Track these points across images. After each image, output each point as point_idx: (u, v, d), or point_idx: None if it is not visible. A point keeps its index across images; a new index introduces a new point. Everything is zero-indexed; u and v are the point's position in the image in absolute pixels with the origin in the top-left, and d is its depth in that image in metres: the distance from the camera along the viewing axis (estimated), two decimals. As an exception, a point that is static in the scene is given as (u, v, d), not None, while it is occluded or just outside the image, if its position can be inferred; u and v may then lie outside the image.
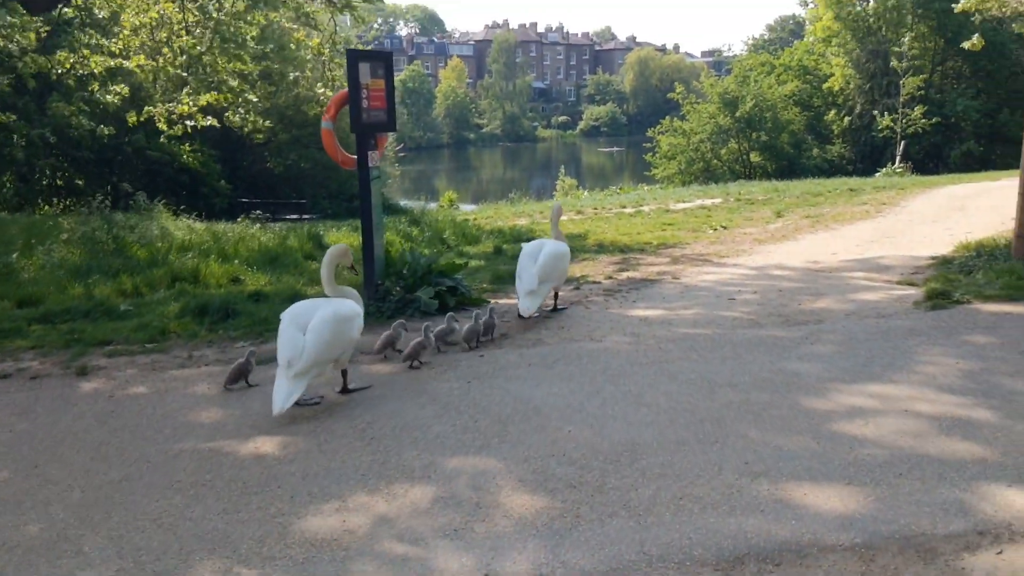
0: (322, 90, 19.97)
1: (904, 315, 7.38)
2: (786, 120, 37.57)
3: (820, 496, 4.03)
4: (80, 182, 24.04)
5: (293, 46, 18.75)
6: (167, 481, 4.53)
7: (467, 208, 27.07)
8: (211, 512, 4.16)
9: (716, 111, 37.15)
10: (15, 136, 20.74)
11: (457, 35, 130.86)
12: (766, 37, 78.52)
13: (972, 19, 22.13)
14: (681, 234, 13.55)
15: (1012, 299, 7.61)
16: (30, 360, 6.96)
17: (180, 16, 15.47)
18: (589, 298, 8.66)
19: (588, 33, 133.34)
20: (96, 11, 16.70)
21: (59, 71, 16.59)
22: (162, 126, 17.33)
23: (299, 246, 12.76)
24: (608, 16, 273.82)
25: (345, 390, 5.81)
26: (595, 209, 18.63)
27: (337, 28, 17.93)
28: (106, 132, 20.03)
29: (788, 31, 79.50)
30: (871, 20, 39.31)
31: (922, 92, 36.25)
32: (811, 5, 45.43)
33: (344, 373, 5.83)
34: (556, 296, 8.15)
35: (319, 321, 5.42)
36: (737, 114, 36.42)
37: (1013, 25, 29.25)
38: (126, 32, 16.31)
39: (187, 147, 24.13)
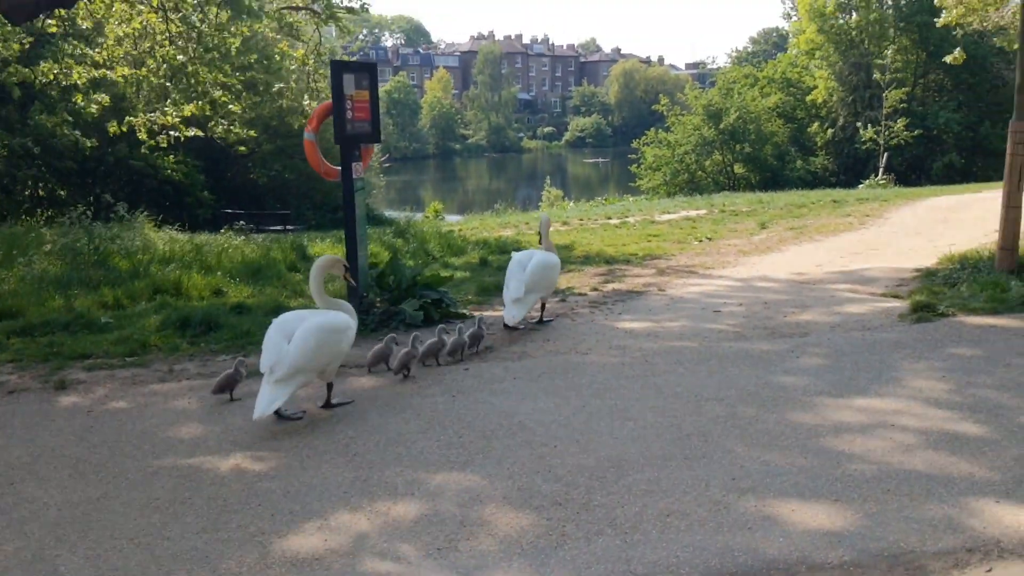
0: (307, 101, 19.94)
1: (889, 328, 7.37)
2: (770, 132, 37.75)
3: (808, 512, 4.00)
4: (62, 193, 23.88)
5: (277, 57, 18.68)
6: (146, 499, 4.44)
7: (453, 219, 27.09)
8: (190, 531, 4.08)
9: (700, 123, 37.25)
10: (-4, 146, 20.62)
11: (443, 46, 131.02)
12: (750, 50, 79.08)
13: (954, 33, 22.43)
14: (666, 245, 13.56)
15: (996, 312, 7.62)
16: (8, 374, 6.84)
17: (163, 27, 15.41)
18: (575, 310, 8.63)
19: (573, 45, 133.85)
20: (79, 22, 16.59)
21: (42, 81, 16.48)
22: (143, 136, 17.24)
23: (283, 257, 12.67)
24: (593, 28, 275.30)
25: (328, 404, 5.74)
26: (581, 220, 18.64)
27: (322, 39, 17.91)
28: (89, 144, 19.89)
29: (771, 44, 79.92)
30: (854, 33, 39.67)
31: (904, 105, 36.51)
32: (794, 18, 45.83)
33: (329, 387, 5.76)
34: (543, 308, 8.10)
35: (305, 330, 5.38)
36: (721, 126, 36.54)
37: (994, 39, 29.55)
38: (110, 42, 16.24)
39: (171, 159, 24.04)
